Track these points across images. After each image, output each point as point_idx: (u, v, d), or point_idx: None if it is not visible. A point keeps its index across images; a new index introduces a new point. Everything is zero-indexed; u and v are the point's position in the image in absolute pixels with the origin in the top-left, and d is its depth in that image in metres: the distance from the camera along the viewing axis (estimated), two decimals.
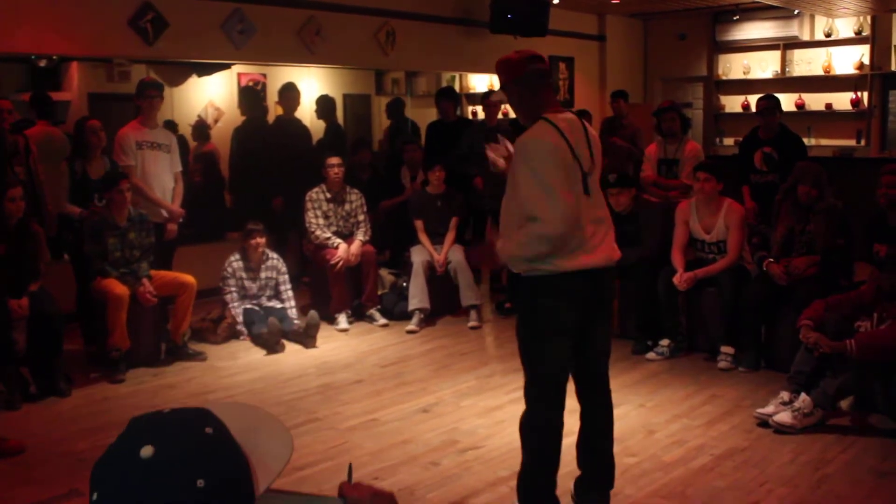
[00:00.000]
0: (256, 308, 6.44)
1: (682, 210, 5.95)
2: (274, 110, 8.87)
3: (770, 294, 5.46)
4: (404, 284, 7.09)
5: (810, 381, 4.51)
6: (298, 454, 4.13)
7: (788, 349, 4.99)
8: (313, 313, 6.39)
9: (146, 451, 0.98)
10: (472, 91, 12.11)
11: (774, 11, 10.52)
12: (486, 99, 8.29)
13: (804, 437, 4.34)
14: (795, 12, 10.37)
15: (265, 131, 7.98)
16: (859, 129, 10.52)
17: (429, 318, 6.91)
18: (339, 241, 6.84)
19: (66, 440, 4.48)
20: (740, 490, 3.77)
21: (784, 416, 4.41)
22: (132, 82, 7.59)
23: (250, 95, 9.12)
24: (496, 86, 10.27)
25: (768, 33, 10.96)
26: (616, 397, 3.59)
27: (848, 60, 10.57)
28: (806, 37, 10.78)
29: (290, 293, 6.56)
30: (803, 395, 4.45)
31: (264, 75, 10.29)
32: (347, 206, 7.02)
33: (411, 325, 6.72)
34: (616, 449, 3.57)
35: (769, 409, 4.55)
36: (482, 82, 11.85)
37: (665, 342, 5.86)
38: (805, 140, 7.84)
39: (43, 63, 8.84)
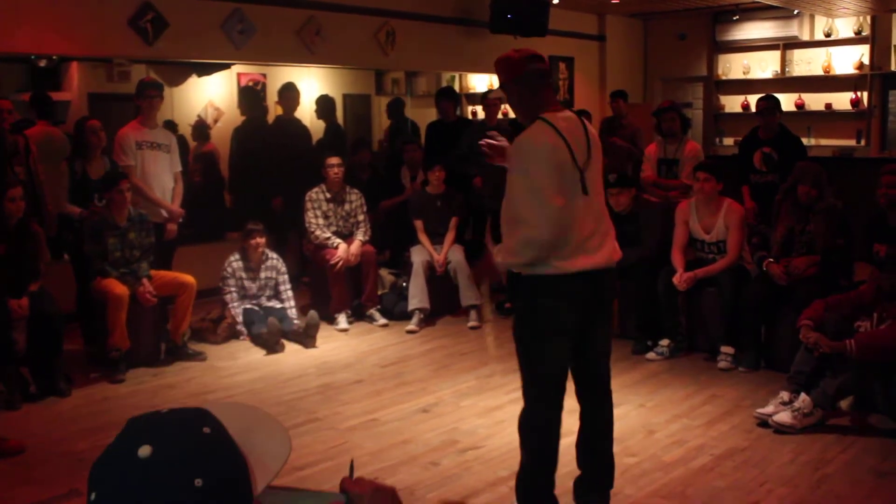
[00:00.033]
0: (256, 308, 6.44)
1: (681, 210, 5.95)
2: (274, 110, 8.87)
3: (770, 294, 5.46)
4: (404, 284, 7.09)
5: (810, 381, 4.51)
6: (298, 454, 4.13)
7: (788, 349, 4.99)
8: (313, 313, 6.39)
9: (144, 450, 0.98)
10: (472, 91, 12.11)
11: (774, 11, 10.51)
12: (485, 98, 8.29)
13: (804, 437, 4.34)
14: (795, 12, 10.37)
15: (265, 131, 7.98)
16: (859, 129, 10.52)
17: (429, 318, 6.91)
18: (338, 241, 6.84)
19: (66, 440, 4.48)
20: (740, 490, 3.77)
21: (784, 416, 4.41)
22: (132, 82, 7.59)
23: (250, 95, 9.13)
24: (496, 86, 10.28)
25: (768, 33, 10.95)
26: (616, 397, 3.59)
27: (848, 60, 10.57)
28: (806, 37, 10.78)
29: (290, 293, 6.56)
30: (803, 395, 4.45)
31: (264, 75, 10.28)
32: (347, 206, 7.02)
33: (411, 325, 6.72)
34: (616, 449, 3.57)
35: (769, 409, 4.55)
36: (482, 82, 11.84)
37: (665, 342, 5.86)
38: (805, 140, 7.86)
39: (43, 63, 8.83)
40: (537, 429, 3.35)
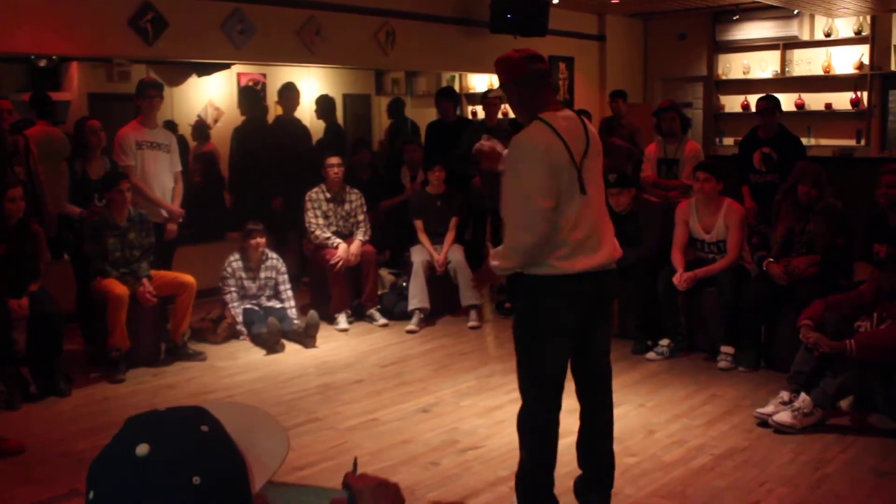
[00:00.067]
0: (256, 308, 6.44)
1: (681, 210, 5.95)
2: (274, 110, 8.87)
3: (770, 294, 5.46)
4: (404, 284, 7.09)
5: (810, 381, 4.51)
6: (298, 454, 4.13)
7: (788, 349, 4.99)
8: (313, 313, 6.39)
9: (142, 449, 0.98)
10: (472, 91, 12.11)
11: (774, 11, 10.51)
12: (485, 98, 8.29)
13: (804, 437, 4.34)
14: (795, 12, 10.37)
15: (265, 131, 7.98)
16: (859, 128, 10.52)
17: (429, 318, 6.91)
18: (338, 240, 6.84)
19: (66, 440, 4.48)
20: (740, 490, 3.77)
21: (784, 416, 4.41)
22: (132, 82, 7.59)
23: (250, 95, 9.13)
24: (496, 86, 10.27)
25: (768, 33, 10.95)
26: (616, 397, 3.59)
27: (848, 60, 10.57)
28: (806, 37, 10.78)
29: (290, 293, 6.56)
30: (803, 395, 4.45)
31: (264, 75, 10.29)
32: (347, 206, 7.02)
33: (411, 325, 6.72)
34: (616, 449, 3.56)
35: (769, 408, 4.55)
36: (482, 82, 11.85)
37: (665, 342, 5.86)
38: (805, 140, 7.85)
39: (43, 63, 8.83)
40: (537, 429, 3.35)
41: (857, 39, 10.45)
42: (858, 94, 10.42)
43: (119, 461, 0.99)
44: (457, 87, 11.67)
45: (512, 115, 8.10)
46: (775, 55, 11.08)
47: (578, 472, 3.55)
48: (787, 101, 10.04)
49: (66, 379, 5.32)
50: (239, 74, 10.10)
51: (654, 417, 4.72)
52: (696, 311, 5.98)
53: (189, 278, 5.93)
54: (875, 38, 10.31)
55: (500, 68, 3.31)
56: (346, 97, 11.34)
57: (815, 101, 10.78)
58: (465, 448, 4.29)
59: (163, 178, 6.30)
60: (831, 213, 5.39)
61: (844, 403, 4.64)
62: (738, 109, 11.47)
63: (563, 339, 3.27)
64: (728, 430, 4.50)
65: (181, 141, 8.23)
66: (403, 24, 8.84)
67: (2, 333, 4.90)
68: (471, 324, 6.79)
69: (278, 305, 6.49)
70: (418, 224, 7.10)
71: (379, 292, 7.18)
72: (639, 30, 12.16)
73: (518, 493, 3.43)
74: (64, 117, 8.19)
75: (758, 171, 6.80)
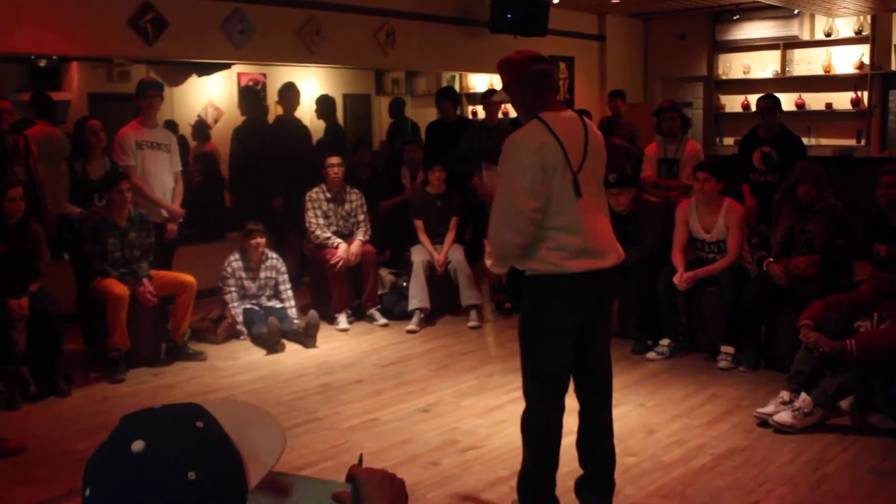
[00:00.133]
0: (256, 308, 6.44)
1: (682, 210, 5.95)
2: (274, 110, 8.87)
3: (770, 294, 5.46)
4: (404, 284, 7.09)
5: (810, 381, 4.51)
6: (298, 454, 4.12)
7: (788, 349, 4.99)
8: (313, 313, 6.39)
9: (137, 445, 0.99)
10: (472, 91, 12.10)
11: (774, 11, 10.51)
12: (486, 98, 8.29)
13: (804, 437, 4.34)
14: (795, 12, 10.37)
15: (265, 131, 7.98)
16: (859, 128, 10.51)
17: (429, 318, 6.90)
18: (338, 240, 6.84)
19: (66, 440, 4.48)
20: (740, 490, 3.77)
21: (784, 416, 4.41)
22: (132, 82, 7.59)
23: (250, 95, 9.13)
24: (496, 85, 10.27)
25: (768, 33, 10.95)
26: (616, 397, 3.59)
27: (848, 60, 10.56)
28: (806, 36, 10.78)
29: (290, 293, 6.56)
30: (803, 395, 4.45)
31: (264, 75, 10.29)
32: (347, 206, 7.02)
33: (411, 325, 6.72)
34: (616, 449, 3.56)
35: (769, 408, 4.55)
36: (482, 82, 11.84)
37: (665, 342, 5.86)
38: (805, 140, 7.84)
39: (43, 63, 8.84)
40: (538, 428, 3.35)
41: (858, 39, 10.45)
42: (859, 93, 10.42)
43: (115, 458, 1.00)
44: (457, 87, 11.67)
45: (513, 114, 8.12)
46: (775, 55, 11.08)
47: (579, 471, 3.55)
48: (787, 101, 10.03)
49: (66, 379, 5.32)
50: (239, 74, 10.10)
51: (654, 417, 4.72)
52: (697, 311, 5.98)
53: (189, 278, 5.93)
54: (875, 37, 10.31)
55: (503, 69, 3.31)
56: (346, 97, 11.35)
57: (816, 100, 10.77)
58: (465, 448, 4.29)
59: (163, 178, 6.30)
60: (831, 213, 5.39)
61: (844, 403, 4.64)
62: (739, 109, 11.47)
63: (563, 339, 3.27)
64: (728, 430, 4.50)
65: (181, 141, 8.23)
66: (403, 24, 8.84)
67: (2, 333, 4.90)
68: (471, 324, 6.79)
69: (278, 305, 6.49)
70: (418, 224, 7.09)
71: (379, 292, 7.18)
72: (639, 30, 12.16)
73: (519, 492, 3.43)
74: (64, 117, 8.19)
75: (758, 171, 6.79)
